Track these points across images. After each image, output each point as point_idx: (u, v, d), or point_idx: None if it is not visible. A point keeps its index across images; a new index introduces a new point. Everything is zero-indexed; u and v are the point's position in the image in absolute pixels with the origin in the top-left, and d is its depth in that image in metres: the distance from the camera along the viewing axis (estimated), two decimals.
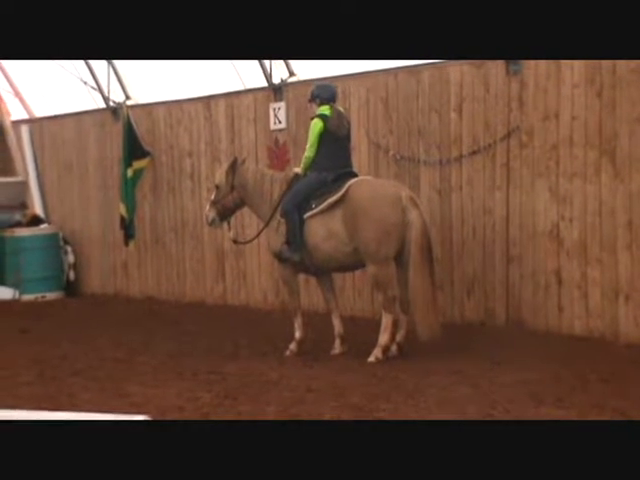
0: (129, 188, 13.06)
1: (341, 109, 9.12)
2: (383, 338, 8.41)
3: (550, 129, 9.14)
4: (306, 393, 7.30)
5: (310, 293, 10.86)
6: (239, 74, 12.03)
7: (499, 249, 9.60)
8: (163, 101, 13.05)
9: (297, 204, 8.68)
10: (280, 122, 11.50)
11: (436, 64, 9.93)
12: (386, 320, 8.41)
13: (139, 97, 13.43)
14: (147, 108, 13.25)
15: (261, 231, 9.25)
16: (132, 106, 13.26)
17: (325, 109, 8.79)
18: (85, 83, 13.75)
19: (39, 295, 13.83)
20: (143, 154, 13.10)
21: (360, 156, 10.64)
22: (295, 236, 8.65)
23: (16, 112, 15.46)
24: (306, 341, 8.99)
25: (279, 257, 8.93)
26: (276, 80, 11.48)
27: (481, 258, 9.74)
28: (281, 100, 11.48)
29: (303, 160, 8.89)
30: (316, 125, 8.69)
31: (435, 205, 10.04)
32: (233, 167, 9.27)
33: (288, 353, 8.87)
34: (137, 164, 13.09)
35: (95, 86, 13.69)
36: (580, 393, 6.94)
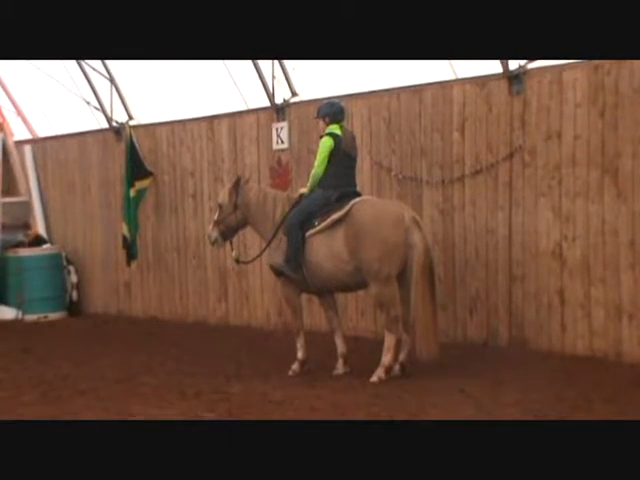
0: (132, 208, 13.07)
1: (352, 130, 9.16)
2: (386, 358, 8.40)
3: (553, 149, 9.15)
4: (309, 412, 7.28)
5: (313, 313, 10.84)
6: (242, 94, 12.08)
7: (502, 269, 9.60)
8: (166, 121, 13.09)
9: (301, 222, 8.68)
10: (283, 142, 11.52)
11: (438, 83, 9.97)
12: (389, 340, 8.40)
13: (142, 117, 13.47)
14: (150, 128, 13.28)
15: (263, 250, 9.24)
16: (135, 126, 13.30)
17: (335, 128, 8.80)
18: (88, 103, 13.80)
19: (42, 315, 13.82)
20: (146, 174, 13.12)
21: (363, 176, 10.64)
22: (296, 254, 8.64)
23: (19, 132, 15.50)
24: (309, 361, 8.97)
25: (275, 270, 8.93)
26: (279, 100, 11.51)
27: (484, 278, 9.74)
28: (284, 120, 11.51)
29: (311, 177, 8.88)
30: (326, 142, 8.70)
31: (438, 225, 10.04)
32: (236, 186, 9.26)
33: (291, 373, 8.85)
34: (139, 184, 13.11)
35: (98, 106, 13.73)
36: (583, 413, 6.91)
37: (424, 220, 9.94)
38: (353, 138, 8.98)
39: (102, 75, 13.23)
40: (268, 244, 9.03)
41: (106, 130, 13.86)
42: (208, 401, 7.87)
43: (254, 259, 9.89)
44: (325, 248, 8.56)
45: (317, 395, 7.91)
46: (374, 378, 8.36)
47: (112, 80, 13.25)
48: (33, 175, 15.11)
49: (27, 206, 15.06)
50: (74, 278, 14.31)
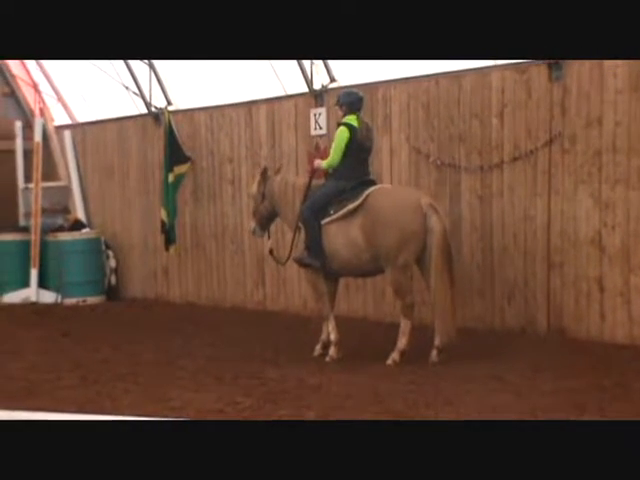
0: (170, 193, 13.14)
1: (368, 121, 9.20)
2: (401, 342, 8.55)
3: (593, 135, 9.07)
4: (346, 399, 7.29)
5: (350, 299, 10.85)
6: (280, 80, 12.07)
7: (540, 256, 9.54)
8: (204, 106, 13.12)
9: (316, 211, 8.80)
10: (321, 128, 11.50)
11: (478, 70, 9.90)
12: (404, 325, 8.57)
13: (180, 102, 13.51)
14: (188, 113, 13.32)
15: (292, 244, 9.24)
16: (173, 111, 13.34)
17: (352, 119, 8.83)
18: (127, 88, 13.87)
19: (80, 299, 13.94)
20: (184, 159, 13.17)
21: (400, 162, 10.63)
22: (315, 242, 8.77)
23: (59, 117, 15.62)
24: (345, 346, 8.97)
25: (300, 263, 9.06)
26: (317, 86, 11.49)
27: (522, 265, 9.68)
28: (322, 106, 11.49)
29: (326, 164, 8.96)
30: (343, 133, 8.75)
31: (476, 211, 9.99)
32: (264, 177, 9.50)
33: (328, 359, 8.88)
34: (178, 169, 13.17)
35: (137, 91, 13.80)
36: (623, 401, 6.87)
37: (462, 206, 9.96)
38: (369, 129, 9.00)
39: (141, 61, 13.28)
40: (294, 235, 9.13)
41: (145, 115, 13.92)
42: (245, 386, 7.90)
43: (287, 259, 9.53)
44: (342, 236, 8.66)
45: (354, 381, 7.92)
46: (389, 361, 8.50)
47: (151, 65, 13.30)
48: (72, 160, 15.21)
49: (67, 191, 15.19)
50: (112, 262, 14.44)
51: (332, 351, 8.92)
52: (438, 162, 10.30)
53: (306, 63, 11.42)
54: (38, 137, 14.88)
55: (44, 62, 15.17)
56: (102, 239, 14.42)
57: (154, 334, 10.90)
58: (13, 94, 15.90)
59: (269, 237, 9.79)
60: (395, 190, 9.07)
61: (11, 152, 15.31)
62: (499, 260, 9.87)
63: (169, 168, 13.09)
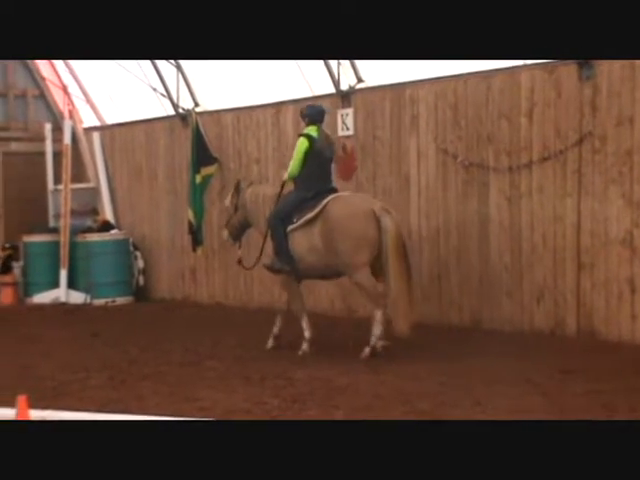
0: (197, 194, 13.16)
1: (328, 132, 9.59)
2: (377, 330, 8.81)
3: (624, 134, 8.98)
4: (374, 399, 7.28)
5: None
6: (307, 81, 12.06)
7: (570, 257, 9.46)
8: (231, 108, 13.14)
9: (281, 219, 9.21)
10: (348, 128, 11.48)
11: (507, 69, 9.84)
12: (378, 314, 8.83)
13: (208, 104, 13.53)
14: (215, 115, 13.34)
15: (262, 249, 9.61)
16: (201, 113, 13.36)
17: (312, 130, 9.25)
18: (155, 90, 13.91)
19: (109, 300, 14.00)
20: (211, 160, 13.19)
21: (428, 162, 10.59)
22: (282, 248, 9.21)
23: (88, 119, 15.69)
24: (378, 348, 8.95)
25: (271, 269, 9.50)
26: (344, 86, 11.47)
27: (551, 266, 9.61)
28: (349, 106, 11.47)
29: (286, 175, 9.38)
30: (303, 144, 9.19)
31: (504, 212, 9.93)
32: (237, 189, 10.00)
33: (300, 353, 9.27)
34: (205, 170, 13.19)
35: (165, 93, 13.84)
36: None
37: (490, 207, 9.97)
38: (329, 139, 9.43)
39: (169, 62, 13.32)
40: (264, 243, 9.53)
41: (173, 117, 13.96)
42: (273, 387, 7.90)
43: (255, 264, 9.97)
44: (305, 242, 9.13)
45: (381, 381, 7.91)
46: (363, 355, 8.80)
47: (179, 67, 13.34)
48: (101, 162, 15.31)
49: (95, 192, 15.27)
50: (141, 263, 14.48)
51: (305, 346, 9.34)
52: (466, 163, 10.24)
53: (333, 64, 11.41)
54: (67, 139, 14.99)
55: (73, 64, 15.24)
56: (130, 240, 14.47)
57: (182, 334, 10.91)
58: (43, 96, 15.99)
59: (240, 247, 10.20)
60: (351, 199, 9.31)
61: (41, 154, 15.43)
62: (528, 261, 9.80)
63: (196, 169, 13.11)
